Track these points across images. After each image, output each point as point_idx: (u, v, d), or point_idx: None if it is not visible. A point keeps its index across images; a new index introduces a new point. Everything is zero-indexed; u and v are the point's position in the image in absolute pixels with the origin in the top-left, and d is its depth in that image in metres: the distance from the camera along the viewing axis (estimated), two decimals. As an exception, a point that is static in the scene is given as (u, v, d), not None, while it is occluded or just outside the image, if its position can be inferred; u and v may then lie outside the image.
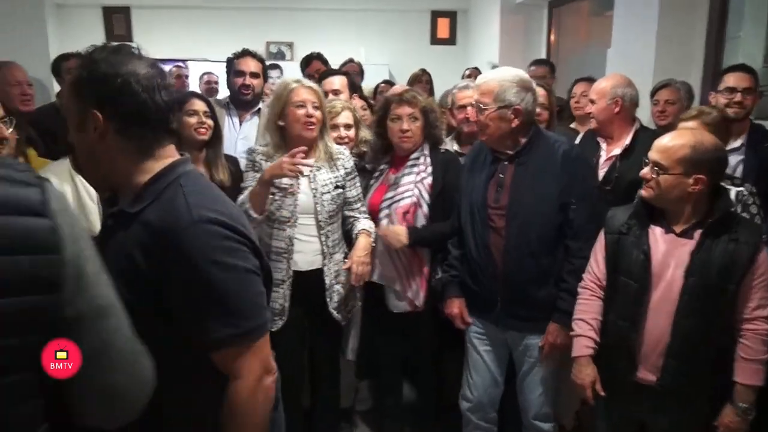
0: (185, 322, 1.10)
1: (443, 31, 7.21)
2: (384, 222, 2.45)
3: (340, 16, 7.14)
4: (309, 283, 2.34)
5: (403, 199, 2.43)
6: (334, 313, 2.39)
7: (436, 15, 7.24)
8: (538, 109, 2.48)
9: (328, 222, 2.35)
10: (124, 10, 6.92)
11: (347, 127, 2.66)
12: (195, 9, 6.96)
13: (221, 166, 2.53)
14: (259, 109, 3.07)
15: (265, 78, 3.20)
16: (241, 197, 2.27)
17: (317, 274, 2.35)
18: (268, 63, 6.90)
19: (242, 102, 2.98)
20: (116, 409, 0.93)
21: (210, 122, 2.50)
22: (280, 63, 7.04)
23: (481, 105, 2.14)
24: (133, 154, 1.16)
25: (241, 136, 3.03)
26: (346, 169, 2.41)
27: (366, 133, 2.75)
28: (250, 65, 3.02)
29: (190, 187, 1.15)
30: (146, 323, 0.99)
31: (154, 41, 6.94)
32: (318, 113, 2.30)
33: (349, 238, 2.45)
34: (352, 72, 4.79)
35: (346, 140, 2.64)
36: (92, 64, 1.14)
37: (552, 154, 2.13)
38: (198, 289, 1.07)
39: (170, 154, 1.21)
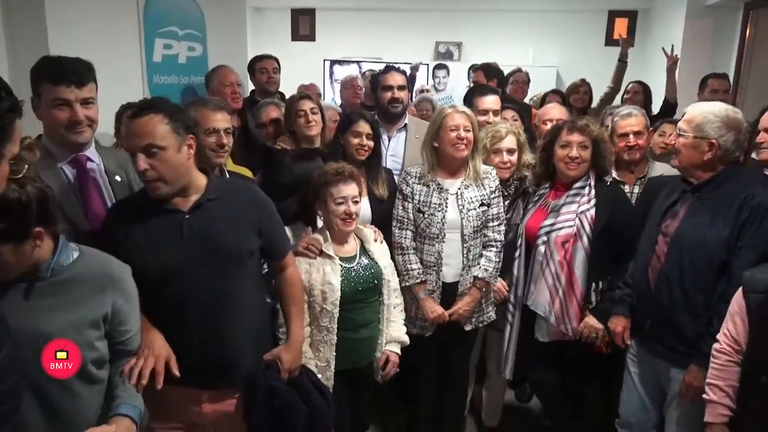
0: (275, 245, 1.94)
1: (620, 32, 6.80)
2: (541, 248, 2.47)
3: (510, 17, 7.04)
4: (451, 293, 2.52)
5: (563, 228, 2.42)
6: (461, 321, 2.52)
7: (613, 15, 6.82)
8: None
9: (472, 237, 2.48)
10: (310, 12, 7.50)
11: (510, 151, 2.68)
12: (370, 11, 7.27)
13: (380, 180, 2.67)
14: (405, 125, 3.17)
15: (411, 88, 3.27)
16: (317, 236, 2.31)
17: (456, 285, 2.51)
18: (435, 63, 7.24)
19: (390, 116, 3.09)
20: None
21: (371, 144, 2.61)
22: (448, 63, 7.19)
23: (680, 130, 2.14)
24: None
25: (390, 153, 3.12)
26: (491, 187, 2.53)
27: (528, 157, 2.76)
28: (397, 79, 3.12)
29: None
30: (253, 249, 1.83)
31: (334, 41, 7.47)
32: (469, 135, 2.46)
33: None
34: (520, 81, 4.78)
35: (508, 165, 2.68)
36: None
37: (734, 197, 2.02)
38: (281, 227, 2.00)
39: None
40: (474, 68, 4.40)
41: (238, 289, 1.81)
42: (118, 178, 1.97)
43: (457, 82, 6.72)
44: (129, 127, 1.69)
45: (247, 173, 2.58)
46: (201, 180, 1.80)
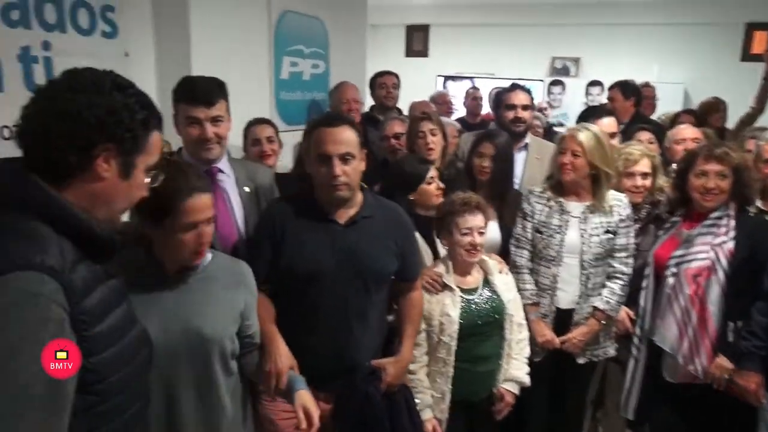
0: (409, 269, 2.01)
1: (759, 46, 6.25)
2: (670, 280, 2.31)
3: (633, 30, 6.73)
4: (565, 320, 2.43)
5: (695, 260, 2.25)
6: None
7: (752, 28, 6.30)
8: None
9: (592, 264, 2.38)
10: (424, 28, 7.60)
11: (644, 175, 2.59)
12: (484, 26, 7.26)
13: (511, 203, 2.62)
14: (526, 144, 3.10)
15: (533, 108, 3.22)
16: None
17: (572, 313, 2.42)
18: (550, 79, 7.05)
19: (512, 135, 2.99)
20: None
21: (492, 165, 2.55)
22: (564, 79, 6.98)
23: None
24: None
25: None
26: (620, 216, 2.41)
27: (662, 181, 2.64)
28: (522, 98, 3.08)
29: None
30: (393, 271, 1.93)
31: (447, 57, 7.52)
32: (577, 160, 2.36)
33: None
34: (649, 96, 4.53)
35: (641, 189, 2.58)
36: None
37: None
38: (418, 251, 2.10)
39: None
40: (610, 86, 4.19)
41: (372, 304, 1.91)
42: (246, 188, 2.07)
43: (573, 98, 6.54)
44: (323, 133, 1.80)
45: None
46: (359, 194, 1.90)
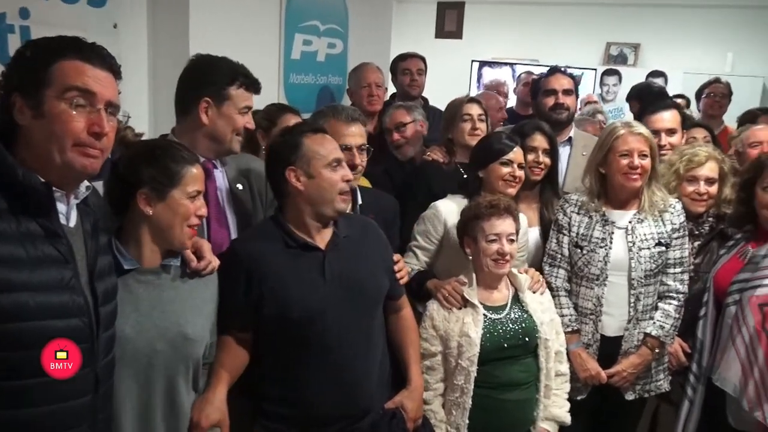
0: (395, 284, 2.02)
1: None
2: (731, 309, 2.22)
3: (702, 14, 6.59)
4: (612, 349, 2.35)
5: (761, 286, 2.16)
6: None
7: (842, 12, 6.06)
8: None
9: (642, 282, 2.32)
10: (459, 6, 7.49)
11: (710, 181, 2.49)
12: (528, 4, 7.18)
13: (551, 203, 2.58)
14: (570, 138, 3.03)
15: (577, 95, 3.19)
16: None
17: (619, 341, 2.36)
18: (604, 68, 6.88)
19: (553, 124, 2.91)
20: None
21: (547, 161, 2.54)
22: (621, 68, 6.83)
23: None
24: None
25: None
26: (673, 224, 2.36)
27: (731, 192, 2.53)
28: (563, 82, 3.04)
29: None
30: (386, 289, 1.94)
31: (484, 40, 7.41)
32: (645, 162, 2.29)
33: None
34: (718, 94, 4.40)
35: (705, 197, 2.49)
36: None
37: None
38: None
39: None
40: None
41: (375, 330, 1.92)
42: (239, 186, 2.05)
43: (631, 91, 6.36)
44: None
45: (365, 183, 2.55)
46: None
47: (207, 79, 1.89)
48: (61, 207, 1.28)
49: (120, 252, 1.54)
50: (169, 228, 1.56)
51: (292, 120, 2.57)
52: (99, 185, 1.61)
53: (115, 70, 1.31)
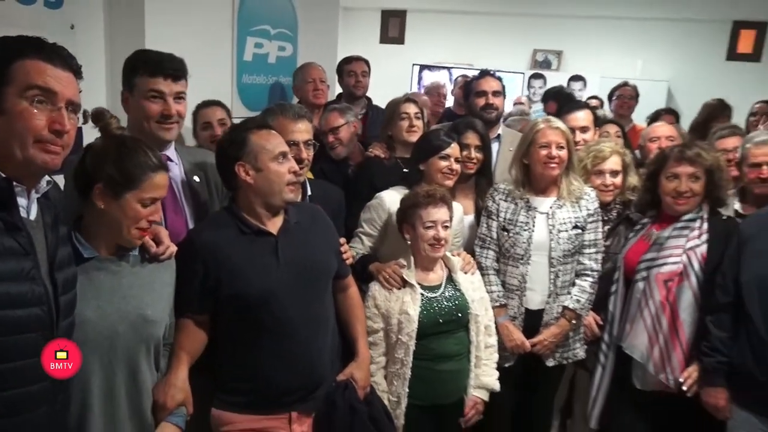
0: (342, 264, 2.08)
1: (745, 46, 6.46)
2: (639, 285, 2.36)
3: (617, 25, 6.86)
4: (535, 321, 2.48)
5: (665, 264, 2.29)
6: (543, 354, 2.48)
7: (738, 26, 6.48)
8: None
9: (561, 261, 2.44)
10: (401, 14, 7.61)
11: (614, 173, 2.62)
12: (464, 14, 7.29)
13: (485, 194, 2.65)
14: (499, 135, 3.11)
15: (505, 96, 3.25)
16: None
17: (541, 314, 2.47)
18: (531, 72, 7.13)
19: (484, 122, 2.97)
20: None
21: (479, 156, 2.63)
22: (545, 72, 7.08)
23: None
24: None
25: None
26: (589, 210, 2.48)
27: (634, 180, 2.68)
28: (492, 84, 3.10)
29: None
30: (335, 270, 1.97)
31: (424, 45, 7.54)
32: (562, 153, 2.42)
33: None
34: (626, 96, 4.60)
35: (611, 188, 2.62)
36: None
37: None
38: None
39: None
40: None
41: (327, 309, 1.97)
42: (196, 178, 2.03)
43: (555, 93, 6.60)
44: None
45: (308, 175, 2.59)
46: None
47: (123, 74, 1.90)
48: (21, 201, 1.25)
49: (79, 241, 1.52)
50: (118, 226, 1.54)
51: (216, 113, 2.71)
52: (60, 179, 1.61)
53: (75, 70, 1.28)
